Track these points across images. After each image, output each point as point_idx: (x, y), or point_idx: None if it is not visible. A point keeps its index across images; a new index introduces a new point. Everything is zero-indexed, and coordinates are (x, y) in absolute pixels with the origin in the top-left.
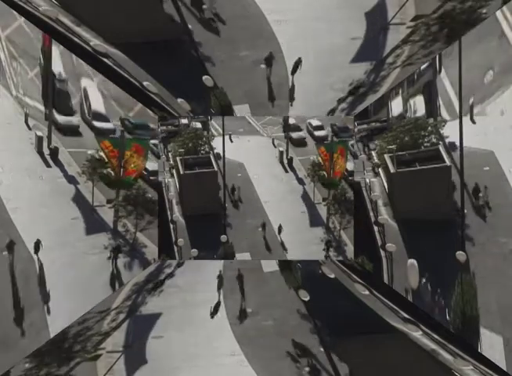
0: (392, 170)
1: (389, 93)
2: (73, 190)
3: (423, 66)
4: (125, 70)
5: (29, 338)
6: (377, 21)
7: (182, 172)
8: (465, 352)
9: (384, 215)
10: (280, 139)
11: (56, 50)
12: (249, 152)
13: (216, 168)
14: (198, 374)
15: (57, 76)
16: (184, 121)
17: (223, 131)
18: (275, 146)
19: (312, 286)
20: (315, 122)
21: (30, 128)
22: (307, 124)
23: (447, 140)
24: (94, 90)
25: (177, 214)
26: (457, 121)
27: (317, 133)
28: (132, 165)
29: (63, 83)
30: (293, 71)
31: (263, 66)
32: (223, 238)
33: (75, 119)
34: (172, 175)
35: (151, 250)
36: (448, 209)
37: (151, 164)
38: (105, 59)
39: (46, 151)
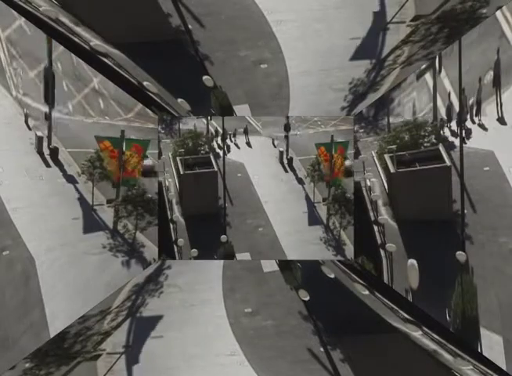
0: (392, 170)
1: (389, 93)
2: (73, 190)
3: (423, 66)
4: (125, 70)
5: (29, 338)
6: (377, 21)
7: (182, 172)
8: (465, 352)
9: (384, 215)
10: (280, 139)
11: None
12: (249, 152)
13: (216, 168)
14: (198, 373)
15: None
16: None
17: (223, 131)
18: (275, 146)
19: (312, 286)
20: None
21: (30, 128)
22: None
23: (447, 140)
24: None
25: (177, 214)
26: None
27: None
28: (132, 166)
29: None
30: None
31: (263, 66)
32: (223, 238)
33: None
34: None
35: (151, 250)
36: (448, 209)
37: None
38: (105, 59)
39: (46, 151)
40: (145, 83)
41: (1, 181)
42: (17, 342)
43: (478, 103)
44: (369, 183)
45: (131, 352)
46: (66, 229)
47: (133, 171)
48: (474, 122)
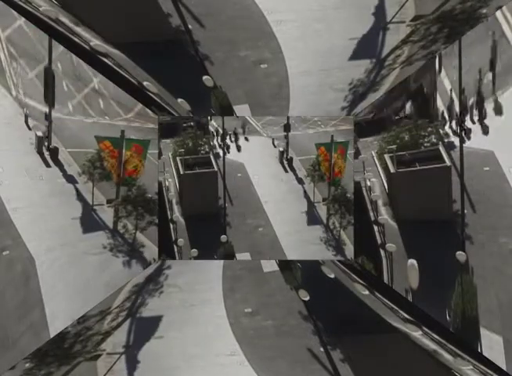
0: (392, 170)
1: (389, 93)
2: (73, 190)
3: (422, 66)
4: (125, 70)
5: (29, 338)
6: (377, 21)
7: (182, 172)
8: (465, 352)
9: (384, 215)
10: (280, 139)
11: None
12: (249, 152)
13: (216, 168)
14: (198, 373)
15: None
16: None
17: (223, 131)
18: (275, 146)
19: (312, 286)
20: None
21: (30, 128)
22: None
23: (447, 140)
24: None
25: (177, 214)
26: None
27: None
28: (132, 165)
29: None
30: None
31: (263, 66)
32: (223, 238)
33: None
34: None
35: (151, 250)
36: (448, 209)
37: None
38: (105, 59)
39: (46, 151)
40: (145, 83)
41: (1, 181)
42: (17, 342)
43: (478, 103)
44: (369, 183)
45: (131, 352)
46: (66, 229)
47: (133, 170)
48: (474, 122)
